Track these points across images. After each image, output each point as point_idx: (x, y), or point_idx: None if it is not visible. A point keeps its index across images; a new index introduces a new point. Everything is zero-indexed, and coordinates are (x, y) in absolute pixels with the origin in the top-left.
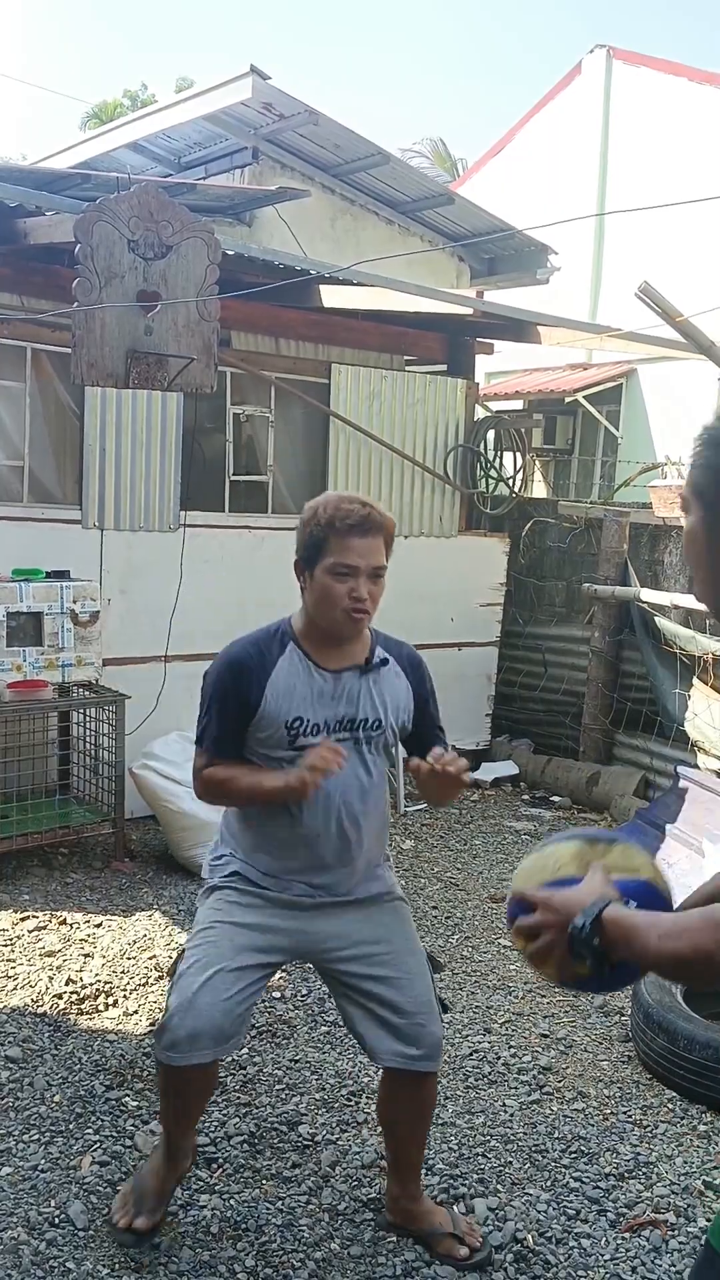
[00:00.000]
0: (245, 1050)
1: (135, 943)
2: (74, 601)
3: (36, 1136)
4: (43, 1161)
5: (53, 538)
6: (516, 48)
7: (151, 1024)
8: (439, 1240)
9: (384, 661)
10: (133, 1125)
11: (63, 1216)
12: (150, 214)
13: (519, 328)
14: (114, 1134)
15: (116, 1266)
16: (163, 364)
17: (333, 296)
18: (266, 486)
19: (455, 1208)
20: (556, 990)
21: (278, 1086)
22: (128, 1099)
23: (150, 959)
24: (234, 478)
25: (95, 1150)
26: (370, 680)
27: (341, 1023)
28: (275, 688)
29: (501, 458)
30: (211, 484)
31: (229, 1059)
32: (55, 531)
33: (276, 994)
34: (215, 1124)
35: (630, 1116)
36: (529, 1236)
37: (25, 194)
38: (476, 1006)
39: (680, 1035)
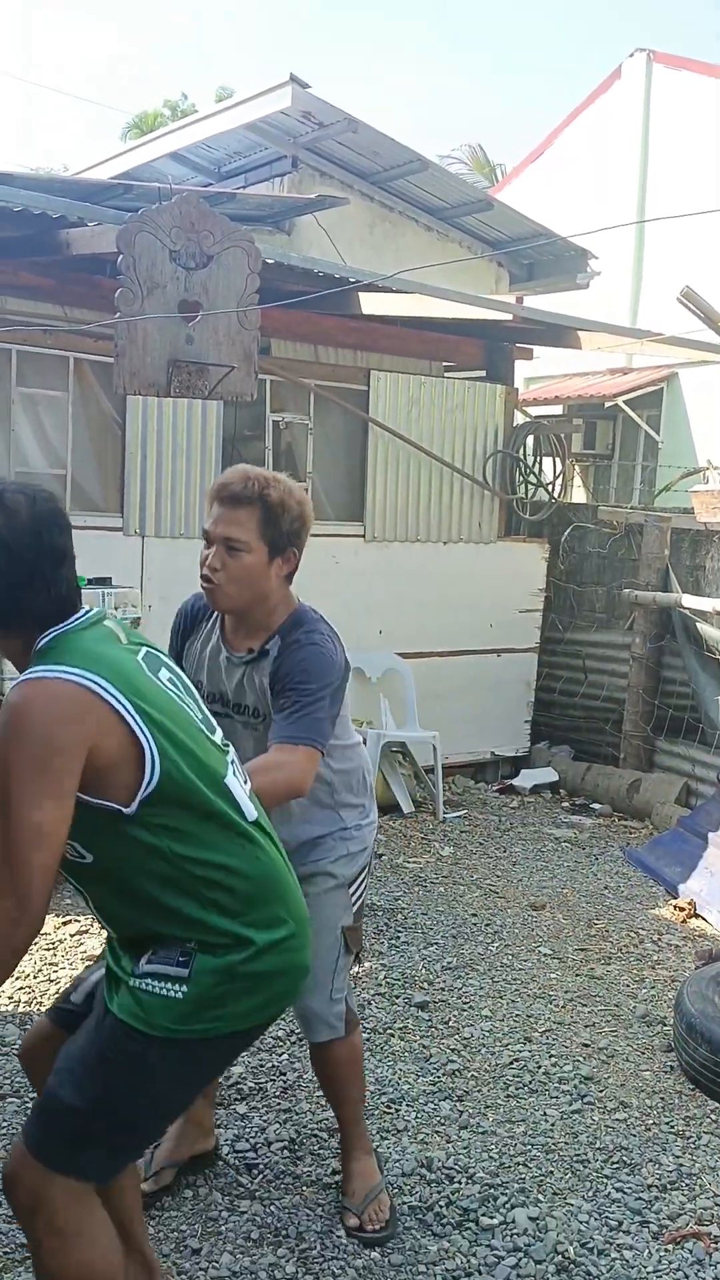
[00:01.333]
0: (285, 1056)
1: None
2: (115, 608)
3: None
4: None
5: (95, 545)
6: (555, 53)
7: None
8: (341, 1207)
9: (265, 653)
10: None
11: None
12: (191, 224)
13: (559, 333)
14: None
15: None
16: (203, 372)
17: (372, 303)
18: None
19: (383, 1197)
20: (597, 999)
21: (317, 1093)
22: None
23: None
24: None
25: None
26: (251, 668)
27: (379, 1030)
28: (191, 648)
29: (541, 463)
30: None
31: (270, 1064)
32: (97, 539)
33: None
34: (255, 1130)
35: (673, 1127)
36: (570, 1247)
37: (67, 205)
38: (517, 1015)
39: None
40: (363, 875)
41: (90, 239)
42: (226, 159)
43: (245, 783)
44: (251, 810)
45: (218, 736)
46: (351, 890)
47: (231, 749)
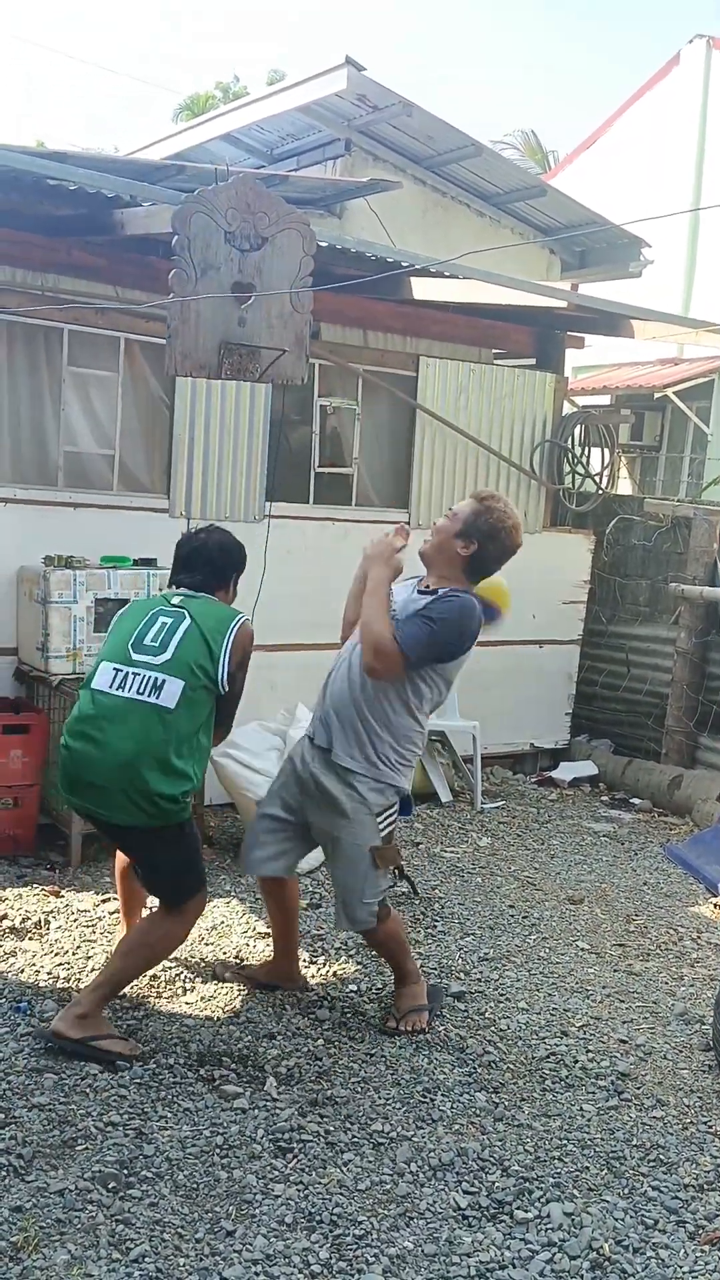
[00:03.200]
0: (320, 1041)
1: (213, 929)
2: (160, 589)
3: (116, 1119)
4: (126, 1138)
5: (140, 526)
6: (612, 39)
7: (227, 1009)
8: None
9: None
10: (220, 1106)
11: (135, 1209)
12: (247, 205)
13: (611, 321)
14: (191, 1109)
15: (194, 1254)
16: (255, 355)
17: (424, 289)
18: (351, 479)
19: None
20: (635, 996)
21: (353, 1080)
22: (215, 1079)
23: (228, 946)
24: (319, 470)
25: (175, 1126)
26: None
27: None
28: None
29: (588, 453)
30: (297, 475)
31: (307, 1049)
32: (143, 520)
33: (352, 986)
34: (291, 1115)
35: (711, 1127)
36: (605, 1244)
37: (123, 184)
38: (554, 1009)
39: None
40: (391, 810)
41: (144, 219)
42: (279, 141)
43: (125, 675)
44: (99, 684)
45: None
46: (379, 818)
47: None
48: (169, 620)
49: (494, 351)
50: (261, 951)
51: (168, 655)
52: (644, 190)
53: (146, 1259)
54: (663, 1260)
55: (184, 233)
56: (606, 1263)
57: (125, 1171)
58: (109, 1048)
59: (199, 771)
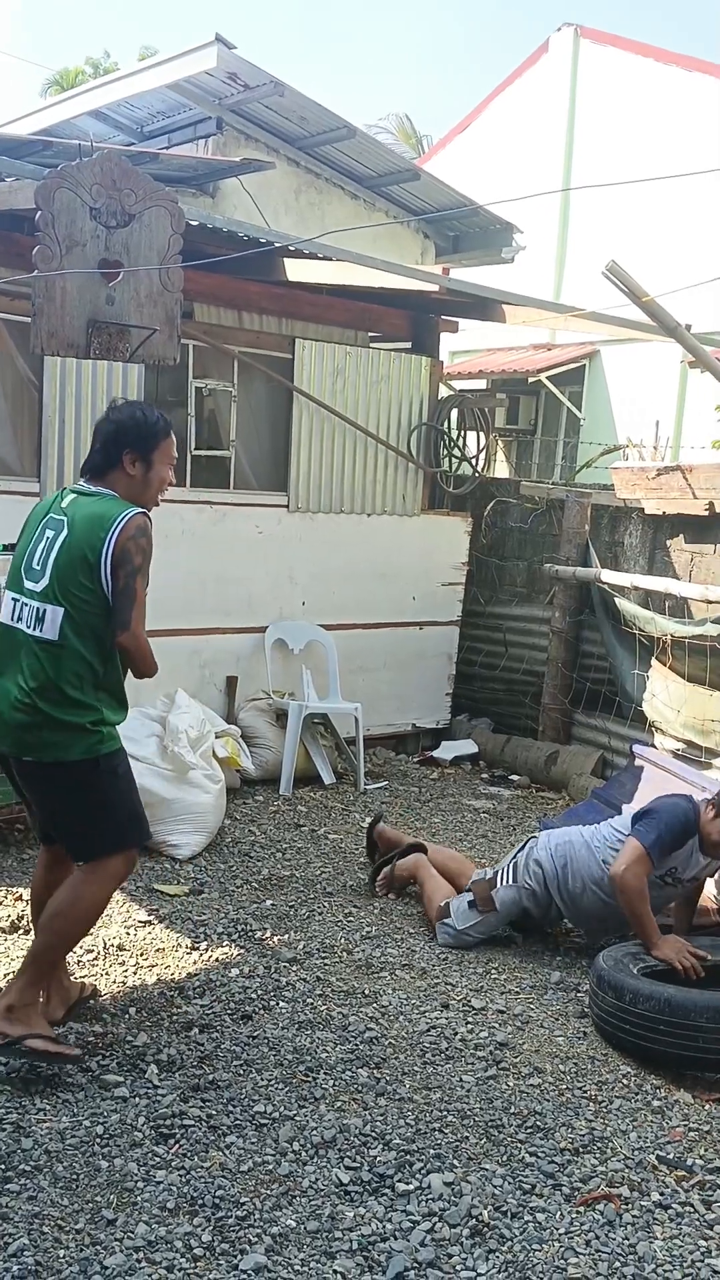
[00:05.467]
0: (202, 1026)
1: None
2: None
3: None
4: (3, 1133)
5: (10, 510)
6: (484, 25)
7: (107, 999)
8: None
9: None
10: (100, 1095)
11: (12, 1204)
12: (113, 182)
13: (484, 306)
14: (70, 1099)
15: (74, 1245)
16: (125, 334)
17: (297, 270)
18: (228, 462)
19: None
20: (514, 967)
21: (236, 1063)
22: (94, 1068)
23: (108, 935)
24: (195, 452)
25: (54, 1117)
26: None
27: (297, 999)
28: None
29: (465, 437)
30: None
31: (188, 1035)
32: (12, 504)
33: (235, 970)
34: (172, 1100)
35: (585, 1092)
36: (485, 1211)
37: None
38: (435, 983)
39: (626, 990)
40: None
41: (8, 194)
42: (149, 119)
43: (19, 605)
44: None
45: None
46: None
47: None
48: (51, 533)
49: (370, 335)
50: (143, 939)
51: (46, 580)
52: (515, 176)
53: (25, 1253)
54: (540, 1223)
55: (47, 208)
56: (486, 1229)
57: (2, 1166)
58: (39, 1048)
59: (107, 701)
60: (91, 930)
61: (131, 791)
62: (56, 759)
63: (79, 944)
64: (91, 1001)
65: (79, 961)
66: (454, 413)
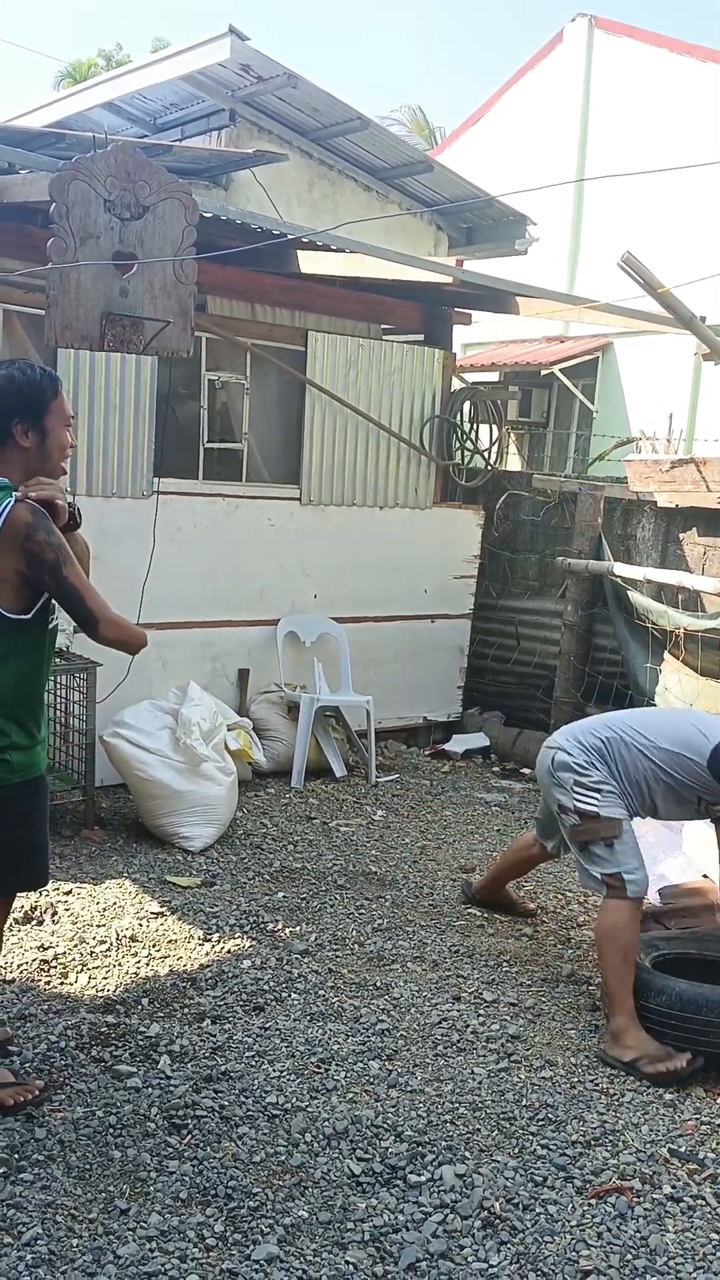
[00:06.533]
0: (214, 1017)
1: (105, 910)
2: None
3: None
4: (16, 1123)
5: None
6: (497, 16)
7: (120, 989)
8: None
9: None
10: (113, 1086)
11: (26, 1193)
12: (127, 174)
13: (497, 298)
14: (83, 1090)
15: (87, 1234)
16: (138, 327)
17: (310, 262)
18: (241, 454)
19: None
20: (525, 960)
21: (248, 1054)
22: (107, 1059)
23: (120, 926)
24: (208, 445)
25: (67, 1108)
26: None
27: (309, 990)
28: None
29: (477, 430)
30: (185, 451)
31: (201, 1026)
32: None
33: (246, 962)
34: (185, 1091)
35: (597, 1085)
36: (496, 1203)
37: None
38: (446, 975)
39: (638, 985)
40: None
41: (22, 187)
42: (162, 111)
43: None
44: None
45: None
46: None
47: None
48: None
49: (383, 327)
50: (155, 930)
51: None
52: (529, 167)
53: (39, 1241)
54: (551, 1215)
55: (61, 200)
56: (497, 1220)
57: (16, 1156)
58: None
59: (7, 725)
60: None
61: (21, 828)
62: None
63: None
64: (125, 1019)
65: (92, 953)
66: (466, 405)
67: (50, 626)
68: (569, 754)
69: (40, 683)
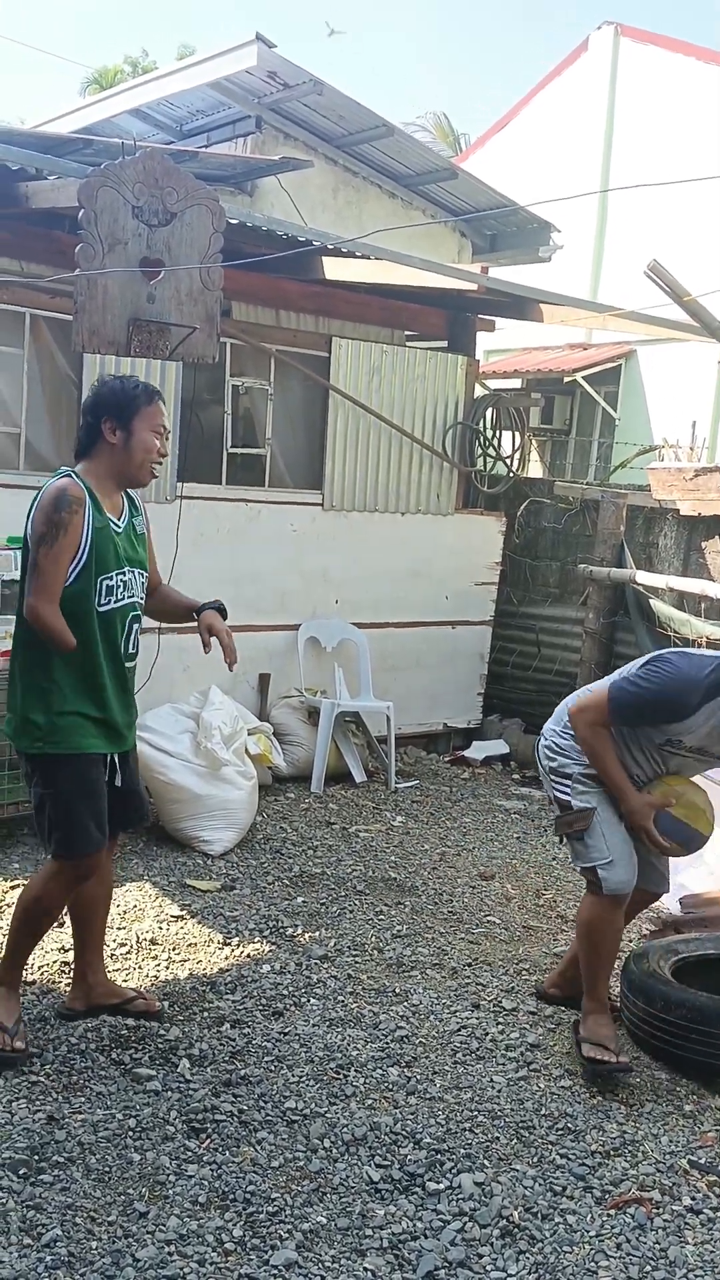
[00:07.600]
0: (234, 1021)
1: (126, 913)
2: None
3: (26, 1105)
4: (36, 1124)
5: None
6: (523, 23)
7: (139, 990)
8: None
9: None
10: (132, 1089)
11: (46, 1194)
12: (155, 180)
13: (521, 305)
14: (103, 1093)
15: (106, 1237)
16: (164, 332)
17: (335, 269)
18: (264, 460)
19: None
20: (545, 968)
21: (267, 1059)
22: (127, 1062)
23: (140, 929)
24: (232, 450)
25: (87, 1110)
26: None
27: (328, 996)
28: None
29: (500, 436)
30: (209, 455)
31: (220, 1030)
32: None
33: (265, 966)
34: (204, 1095)
35: (617, 1095)
36: (515, 1212)
37: (27, 157)
38: (466, 982)
39: (657, 997)
40: None
41: (50, 193)
42: (189, 117)
43: None
44: None
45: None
46: None
47: None
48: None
49: (406, 333)
50: (175, 934)
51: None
52: (553, 175)
53: (58, 1243)
54: (570, 1225)
55: (90, 207)
56: (516, 1230)
57: (36, 1157)
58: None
59: (36, 703)
60: (40, 930)
61: (65, 798)
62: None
63: (37, 938)
64: (146, 1021)
65: (113, 955)
66: (489, 412)
67: (104, 609)
68: (547, 741)
69: (91, 664)
